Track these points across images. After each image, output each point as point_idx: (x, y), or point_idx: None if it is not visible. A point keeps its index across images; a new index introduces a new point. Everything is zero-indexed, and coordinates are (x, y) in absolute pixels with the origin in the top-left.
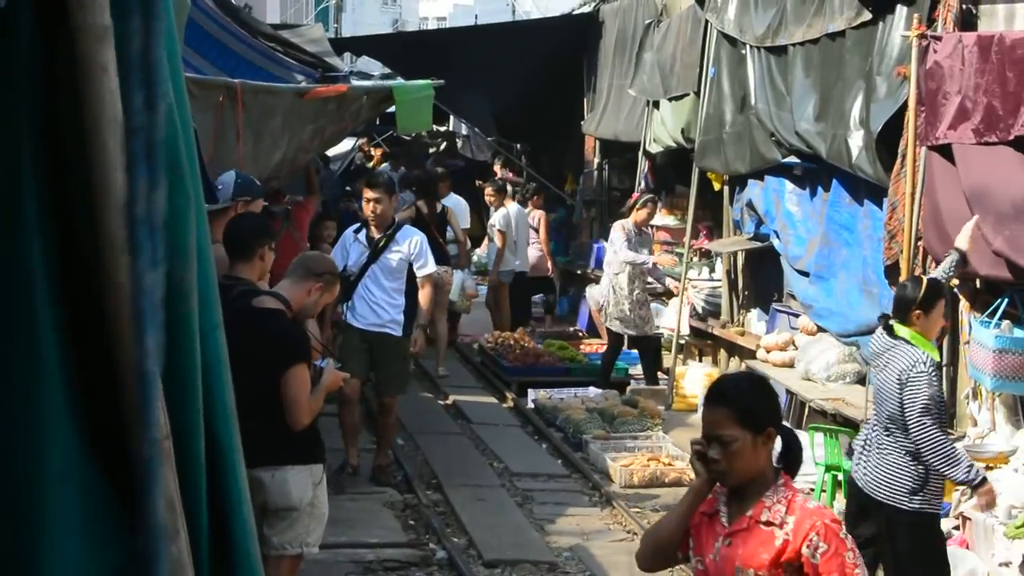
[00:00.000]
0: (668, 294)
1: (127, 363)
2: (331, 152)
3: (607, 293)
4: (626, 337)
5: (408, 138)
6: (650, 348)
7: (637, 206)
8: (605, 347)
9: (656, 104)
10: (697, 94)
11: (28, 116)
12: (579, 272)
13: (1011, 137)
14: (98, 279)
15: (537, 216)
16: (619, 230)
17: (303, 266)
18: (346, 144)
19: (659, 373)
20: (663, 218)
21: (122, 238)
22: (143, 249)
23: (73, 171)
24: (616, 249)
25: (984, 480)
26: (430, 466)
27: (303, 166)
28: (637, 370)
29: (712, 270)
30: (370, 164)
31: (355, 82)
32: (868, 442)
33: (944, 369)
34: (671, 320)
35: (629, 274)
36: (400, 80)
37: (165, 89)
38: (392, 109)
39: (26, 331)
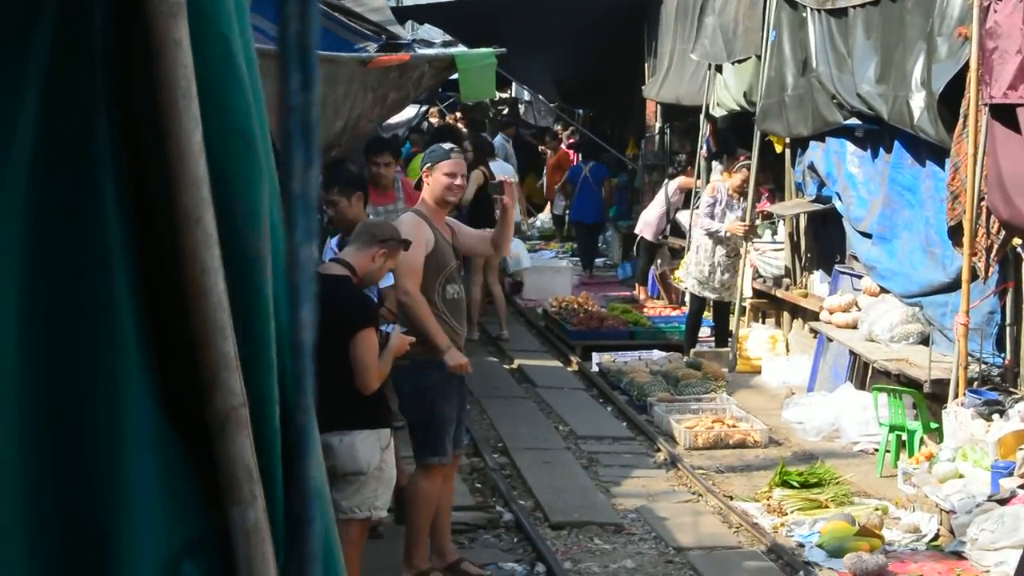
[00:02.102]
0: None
1: (200, 332)
2: (394, 120)
3: (691, 253)
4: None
5: (470, 104)
6: (724, 311)
7: (732, 170)
8: (687, 312)
9: (719, 68)
10: (759, 58)
11: (104, 93)
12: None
13: None
14: (172, 253)
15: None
16: (708, 192)
17: (367, 232)
18: (408, 112)
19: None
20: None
21: (195, 209)
22: (299, 224)
23: (150, 148)
24: (700, 213)
25: None
26: (496, 430)
27: (366, 134)
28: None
29: (775, 233)
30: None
31: (418, 50)
32: None
33: (1008, 329)
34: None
35: (714, 238)
36: (462, 48)
37: (317, 71)
38: (455, 76)
39: (105, 298)
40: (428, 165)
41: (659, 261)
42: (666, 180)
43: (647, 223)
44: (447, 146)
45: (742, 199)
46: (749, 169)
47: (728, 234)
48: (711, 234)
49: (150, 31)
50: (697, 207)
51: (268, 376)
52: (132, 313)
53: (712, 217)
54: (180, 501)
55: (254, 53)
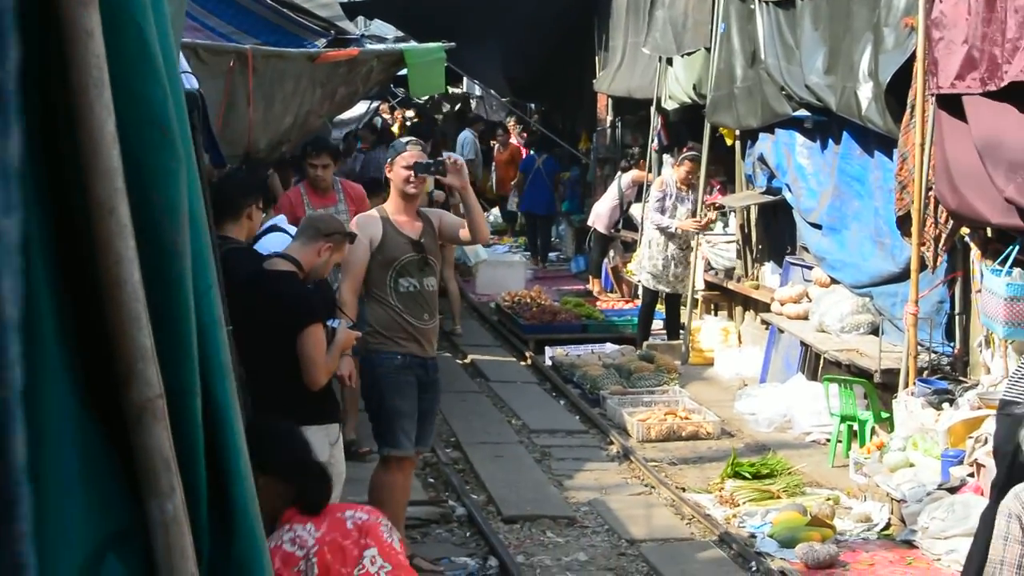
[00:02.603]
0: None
1: (115, 323)
2: (346, 115)
3: (643, 247)
4: (660, 293)
5: (421, 101)
6: (676, 304)
7: (675, 163)
8: (640, 304)
9: (670, 61)
10: (708, 50)
11: (18, 81)
12: None
13: (1005, 83)
14: (88, 241)
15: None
16: (656, 187)
17: (311, 227)
18: (359, 108)
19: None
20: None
21: (108, 199)
22: None
23: (65, 139)
24: (650, 208)
25: None
26: (449, 424)
27: (315, 130)
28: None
29: (726, 225)
30: (394, 128)
31: (367, 46)
32: None
33: (957, 318)
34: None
35: (665, 233)
36: (412, 43)
37: (11, 42)
38: (405, 72)
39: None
40: (388, 160)
41: (612, 254)
42: (619, 173)
43: (599, 215)
44: (404, 140)
45: (691, 191)
46: (694, 160)
47: (680, 231)
48: (662, 230)
49: (62, 20)
50: (648, 201)
51: (189, 368)
52: (51, 303)
53: (663, 211)
54: (103, 493)
55: (172, 43)
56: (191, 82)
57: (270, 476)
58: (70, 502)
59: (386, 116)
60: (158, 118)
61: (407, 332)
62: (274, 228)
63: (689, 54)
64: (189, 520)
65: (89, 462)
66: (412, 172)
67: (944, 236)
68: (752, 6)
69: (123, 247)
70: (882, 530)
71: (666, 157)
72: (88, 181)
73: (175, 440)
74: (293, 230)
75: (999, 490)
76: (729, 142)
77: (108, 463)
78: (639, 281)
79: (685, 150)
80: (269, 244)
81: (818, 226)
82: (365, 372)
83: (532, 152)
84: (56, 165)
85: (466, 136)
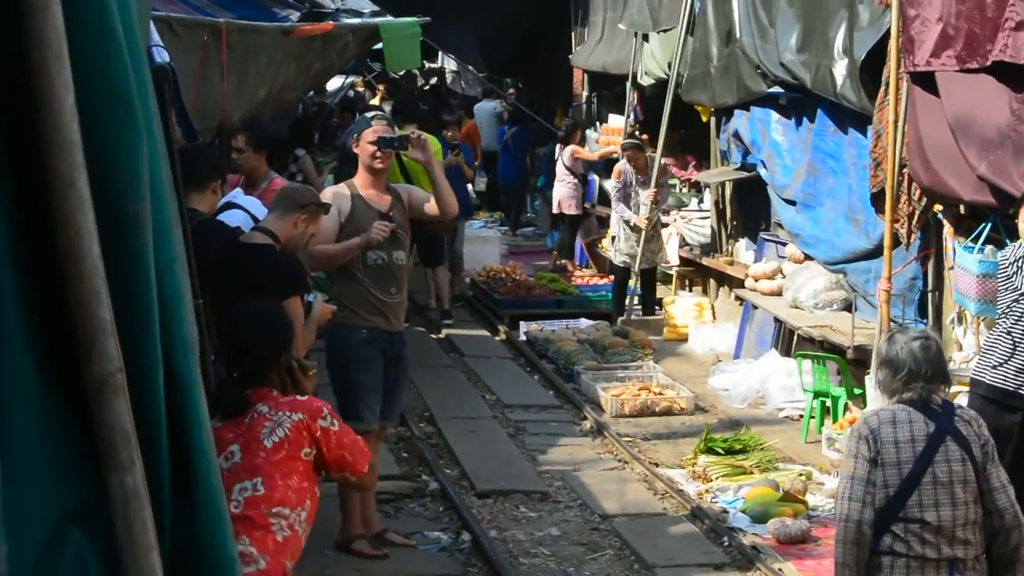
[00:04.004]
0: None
1: (75, 296)
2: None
3: (617, 229)
4: (634, 270)
5: (397, 76)
6: (651, 279)
7: (622, 154)
8: (613, 281)
9: (646, 37)
10: (690, 31)
11: None
12: None
13: (989, 62)
14: (48, 215)
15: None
16: (615, 175)
17: (287, 198)
18: (335, 82)
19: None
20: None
21: (68, 173)
22: None
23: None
24: (614, 198)
25: None
26: (423, 399)
27: (289, 103)
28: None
29: (701, 201)
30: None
31: (343, 20)
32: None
33: (930, 295)
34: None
35: (633, 211)
36: (388, 18)
37: None
38: (380, 46)
39: None
40: (355, 136)
41: (587, 230)
42: (557, 151)
43: (564, 199)
44: (369, 115)
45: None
46: (630, 148)
47: (633, 223)
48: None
49: None
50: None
51: (150, 342)
52: (11, 277)
53: (627, 198)
54: (65, 468)
55: (135, 18)
56: (162, 56)
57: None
58: (32, 476)
59: (360, 90)
60: (119, 92)
61: (373, 306)
62: (231, 204)
63: (665, 31)
64: (151, 494)
65: (51, 437)
66: (377, 147)
67: (917, 213)
68: None
69: (83, 221)
70: None
71: (589, 133)
72: (48, 155)
73: (136, 414)
74: (251, 205)
75: None
76: (704, 119)
77: (70, 437)
78: (611, 258)
79: (624, 129)
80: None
81: (792, 202)
82: (327, 342)
83: (503, 126)
84: (16, 139)
85: (490, 108)
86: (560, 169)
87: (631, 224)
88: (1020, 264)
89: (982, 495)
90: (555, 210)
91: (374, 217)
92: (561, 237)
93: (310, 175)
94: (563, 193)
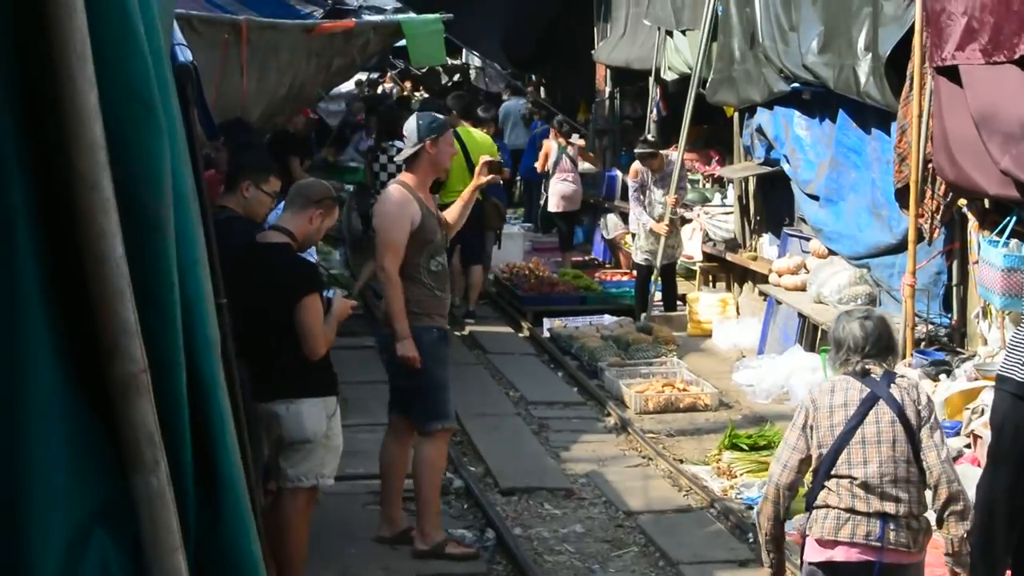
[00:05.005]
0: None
1: (99, 297)
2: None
3: (636, 228)
4: (656, 266)
5: (420, 72)
6: (671, 275)
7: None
8: (635, 279)
9: (670, 32)
10: (713, 36)
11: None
12: (592, 201)
13: (1016, 56)
14: (72, 216)
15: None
16: (632, 175)
17: (301, 195)
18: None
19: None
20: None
21: (91, 173)
22: None
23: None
24: (631, 201)
25: None
26: None
27: (310, 100)
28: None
29: (724, 196)
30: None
31: (365, 16)
32: None
33: (954, 289)
34: (687, 248)
35: (649, 211)
36: (411, 14)
37: None
38: (403, 43)
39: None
40: (433, 137)
41: (609, 226)
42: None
43: (566, 198)
44: (442, 117)
45: (665, 174)
46: (644, 157)
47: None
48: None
49: None
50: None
51: (173, 342)
52: (36, 279)
53: (643, 199)
54: (90, 468)
55: (156, 17)
56: (185, 54)
57: None
58: (57, 477)
59: (388, 85)
60: (140, 92)
61: (438, 307)
62: None
63: (686, 31)
64: (175, 494)
65: (75, 437)
66: (452, 148)
67: (942, 208)
68: None
69: (106, 221)
70: None
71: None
72: (71, 155)
73: (160, 415)
74: None
75: (992, 460)
76: (729, 113)
77: (95, 438)
78: (633, 256)
79: (648, 123)
80: None
81: (816, 197)
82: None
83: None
84: (40, 140)
85: (509, 106)
86: (566, 164)
87: (648, 228)
88: None
89: (917, 453)
90: (552, 208)
91: (434, 224)
92: (560, 232)
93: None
94: (567, 192)
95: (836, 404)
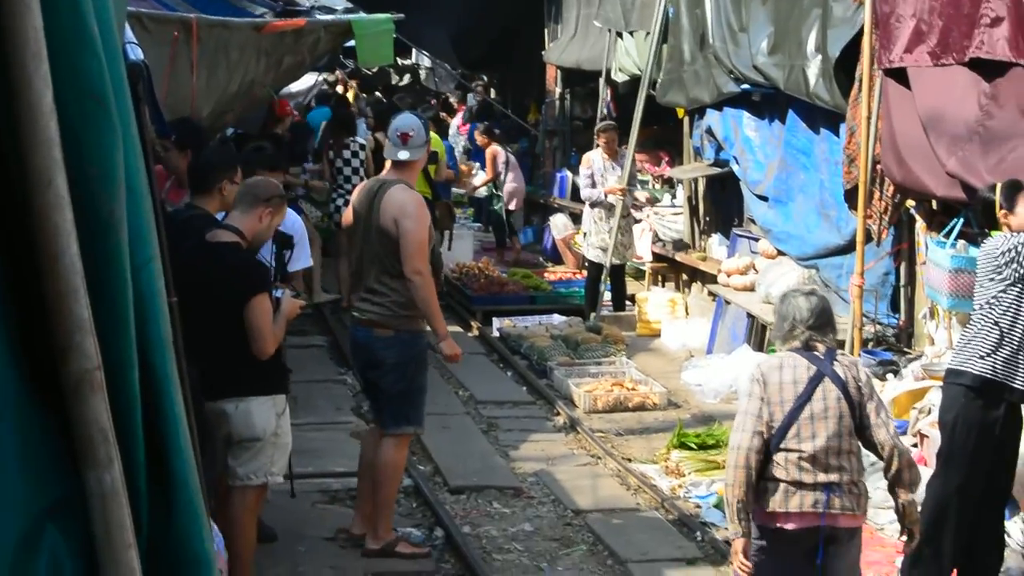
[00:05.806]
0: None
1: (53, 294)
2: (293, 88)
3: (588, 224)
4: (606, 266)
5: (370, 72)
6: (621, 275)
7: (595, 136)
8: (586, 278)
9: (620, 34)
10: (664, 37)
11: None
12: (542, 201)
13: (966, 59)
14: (26, 212)
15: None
16: (584, 164)
17: (249, 194)
18: (307, 80)
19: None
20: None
21: (46, 171)
22: None
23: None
24: (581, 187)
25: None
26: None
27: (261, 99)
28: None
29: (674, 197)
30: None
31: (316, 16)
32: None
33: (902, 290)
34: (637, 249)
35: (604, 204)
36: (361, 14)
37: None
38: (352, 43)
39: None
40: (428, 137)
41: (559, 226)
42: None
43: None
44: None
45: (617, 162)
46: (607, 130)
47: (606, 195)
48: (596, 203)
49: None
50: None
51: (126, 340)
52: None
53: (593, 186)
54: (42, 465)
55: (111, 15)
56: (136, 53)
57: None
58: (8, 473)
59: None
60: (94, 90)
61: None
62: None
63: (633, 32)
64: (128, 492)
65: (28, 434)
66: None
67: (890, 209)
68: None
69: (61, 219)
70: None
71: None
72: (26, 153)
73: (113, 412)
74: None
75: (943, 460)
76: (680, 114)
77: (47, 435)
78: (585, 254)
79: (599, 122)
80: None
81: (765, 198)
82: (391, 351)
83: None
84: None
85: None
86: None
87: (605, 201)
88: (1013, 255)
89: (863, 430)
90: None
91: (431, 227)
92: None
93: None
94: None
95: (785, 381)
